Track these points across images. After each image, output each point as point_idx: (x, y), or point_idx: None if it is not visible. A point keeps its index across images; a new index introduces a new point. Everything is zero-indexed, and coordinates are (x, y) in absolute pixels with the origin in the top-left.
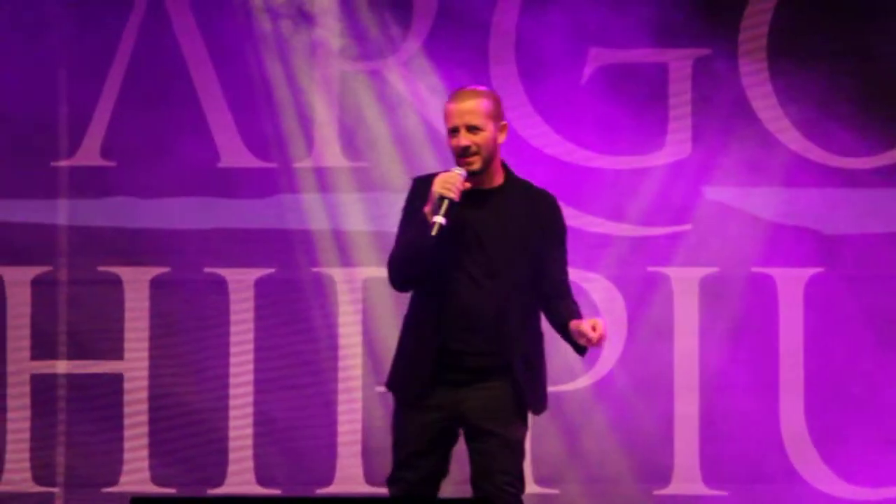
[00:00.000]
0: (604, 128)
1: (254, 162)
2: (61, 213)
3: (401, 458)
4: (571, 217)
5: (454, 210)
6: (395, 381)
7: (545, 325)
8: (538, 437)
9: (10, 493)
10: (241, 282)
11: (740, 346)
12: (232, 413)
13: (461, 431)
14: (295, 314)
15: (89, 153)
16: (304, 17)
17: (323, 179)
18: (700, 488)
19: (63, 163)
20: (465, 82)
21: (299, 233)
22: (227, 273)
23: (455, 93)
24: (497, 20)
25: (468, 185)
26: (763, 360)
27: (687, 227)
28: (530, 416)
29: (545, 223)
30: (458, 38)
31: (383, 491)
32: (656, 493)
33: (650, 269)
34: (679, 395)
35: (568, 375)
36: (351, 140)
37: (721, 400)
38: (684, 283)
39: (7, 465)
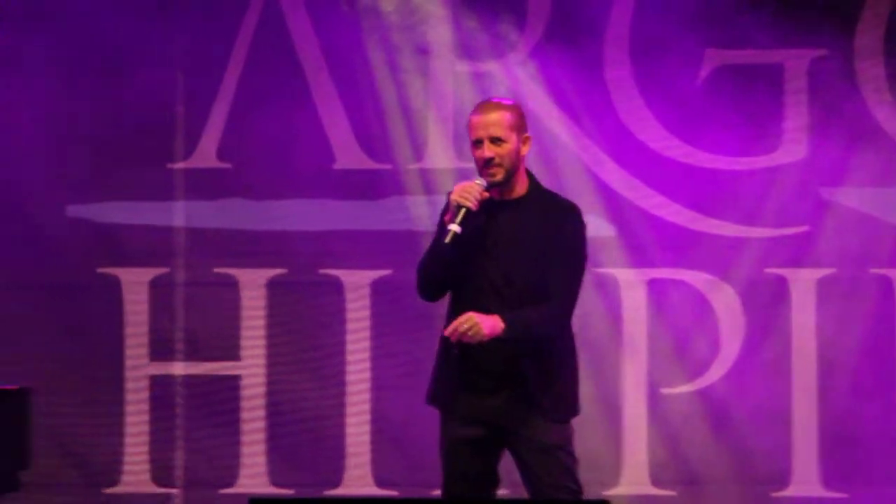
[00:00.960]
0: (719, 129)
1: (369, 163)
2: (178, 215)
3: (447, 470)
4: (687, 219)
5: (470, 219)
6: (430, 392)
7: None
8: (653, 439)
9: (130, 493)
10: (357, 283)
11: (859, 347)
12: (349, 413)
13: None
14: (410, 315)
15: (205, 155)
16: (418, 18)
17: (436, 181)
18: (819, 490)
19: (179, 165)
20: (579, 84)
21: (414, 234)
22: (343, 274)
23: (479, 105)
24: (612, 22)
25: (486, 194)
26: (882, 361)
27: (803, 228)
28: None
29: (555, 231)
30: (572, 40)
31: (503, 492)
32: (774, 495)
33: (767, 270)
34: (797, 397)
35: (683, 378)
36: (464, 142)
37: (840, 401)
38: (801, 284)
39: (126, 467)
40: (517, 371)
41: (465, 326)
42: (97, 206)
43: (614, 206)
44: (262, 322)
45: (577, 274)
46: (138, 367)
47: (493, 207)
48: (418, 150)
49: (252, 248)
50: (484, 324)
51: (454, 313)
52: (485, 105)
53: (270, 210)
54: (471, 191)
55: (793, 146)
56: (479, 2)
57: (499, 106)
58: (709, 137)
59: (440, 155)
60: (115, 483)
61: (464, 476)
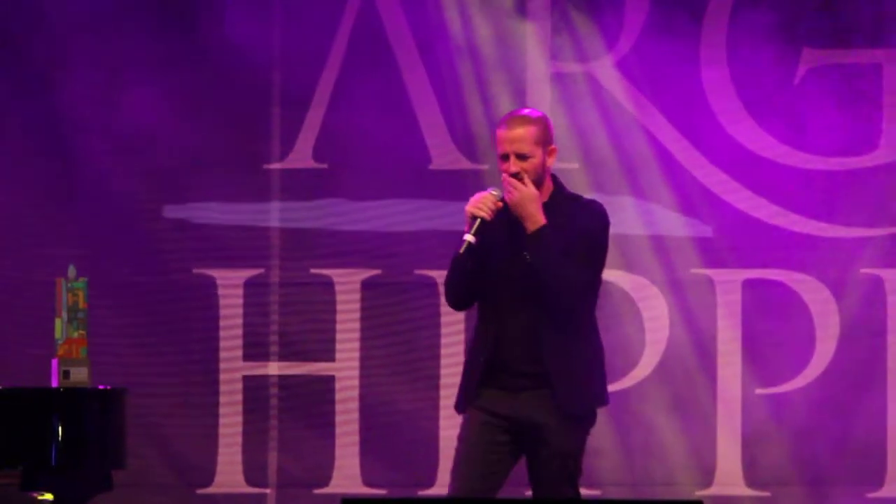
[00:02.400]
0: (816, 129)
1: (465, 164)
2: (273, 215)
3: (458, 459)
4: (783, 219)
5: (485, 229)
6: (458, 401)
7: None
8: (747, 440)
9: (223, 493)
10: None
11: None
12: (442, 414)
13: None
14: None
15: (301, 156)
16: (517, 19)
17: None
18: None
19: (275, 165)
20: (676, 84)
21: None
22: (438, 275)
23: (506, 119)
24: (708, 21)
25: (501, 204)
26: None
27: None
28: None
29: (577, 226)
30: (669, 41)
31: (593, 492)
32: (869, 495)
33: (863, 270)
34: (893, 396)
35: (778, 378)
36: (561, 142)
37: None
38: None
39: (220, 467)
40: (541, 371)
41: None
42: (193, 207)
43: (710, 206)
44: (356, 323)
45: (594, 263)
46: (233, 368)
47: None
48: None
49: (347, 249)
50: (532, 204)
51: (482, 322)
52: (511, 119)
53: (366, 210)
54: (485, 201)
55: (890, 146)
56: (576, 2)
57: (525, 121)
58: (805, 138)
59: None
60: (208, 483)
61: (473, 471)
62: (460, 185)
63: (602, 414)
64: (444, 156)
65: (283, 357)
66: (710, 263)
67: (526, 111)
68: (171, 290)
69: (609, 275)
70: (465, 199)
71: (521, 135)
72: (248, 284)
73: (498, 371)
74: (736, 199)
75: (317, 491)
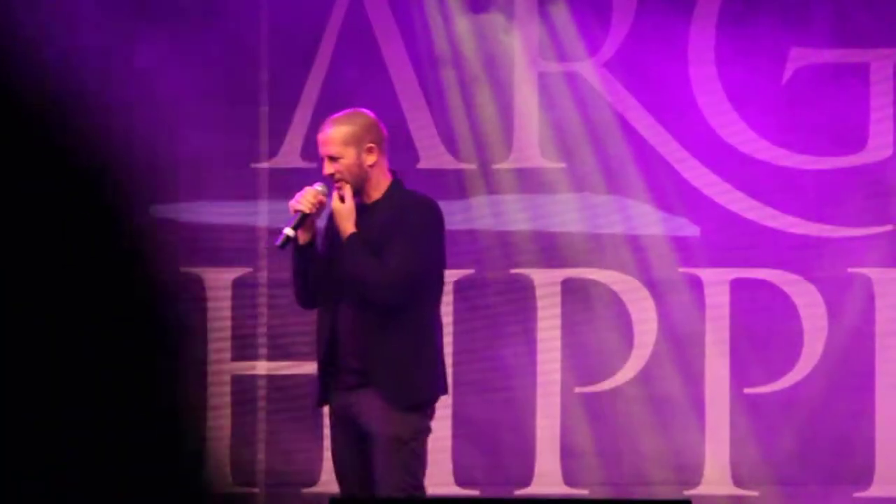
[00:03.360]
0: (804, 129)
1: (453, 163)
2: (262, 215)
3: (335, 469)
4: (771, 218)
5: (305, 223)
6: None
7: None
8: (735, 439)
9: (211, 493)
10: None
11: None
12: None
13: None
14: (493, 315)
15: (290, 155)
16: (504, 18)
17: (521, 180)
18: None
19: (264, 165)
20: (664, 84)
21: (497, 234)
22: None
23: (324, 122)
24: (696, 21)
25: (324, 199)
26: None
27: (888, 227)
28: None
29: (401, 225)
30: (657, 40)
31: (582, 492)
32: (856, 495)
33: (851, 270)
34: (881, 395)
35: (766, 378)
36: (550, 141)
37: None
38: (886, 284)
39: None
40: (367, 367)
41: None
42: (181, 206)
43: (698, 205)
44: None
45: (420, 260)
46: (221, 366)
47: (357, 213)
48: (503, 150)
49: None
50: (341, 218)
51: (319, 321)
52: (325, 122)
53: None
54: (306, 196)
55: (878, 146)
56: (565, 1)
57: (335, 122)
58: (793, 137)
59: (526, 154)
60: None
61: (348, 475)
62: (448, 184)
63: (589, 413)
64: (431, 155)
65: (271, 357)
66: (697, 263)
67: (343, 112)
68: (158, 289)
69: (597, 275)
70: (454, 197)
71: (329, 136)
72: (237, 284)
73: (336, 369)
74: (724, 198)
75: (305, 490)
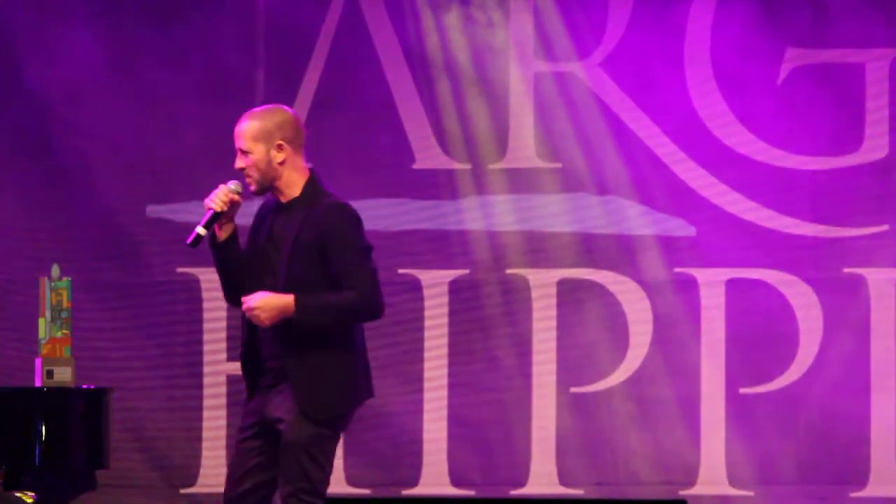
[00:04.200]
0: (800, 129)
1: (448, 163)
2: None
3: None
4: (766, 218)
5: (218, 220)
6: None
7: None
8: (731, 439)
9: (207, 493)
10: (436, 283)
11: None
12: (427, 414)
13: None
14: (488, 315)
15: None
16: (499, 19)
17: (517, 181)
18: None
19: None
20: (659, 84)
21: (493, 234)
22: (422, 275)
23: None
24: (692, 21)
25: (237, 197)
26: None
27: (884, 227)
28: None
29: (319, 233)
30: (652, 40)
31: (577, 492)
32: (853, 495)
33: (846, 270)
34: (876, 396)
35: (762, 377)
36: (545, 141)
37: None
38: (881, 284)
39: (203, 467)
40: (282, 368)
41: (254, 305)
42: (177, 206)
43: (693, 205)
44: None
45: (362, 261)
46: (216, 367)
47: (274, 211)
48: (498, 150)
49: None
50: (270, 307)
51: (242, 319)
52: (243, 115)
53: None
54: (219, 194)
55: (874, 146)
56: (560, 2)
57: (250, 116)
58: (789, 137)
59: (521, 155)
60: (192, 483)
61: (237, 472)
62: (443, 185)
63: (584, 414)
64: (427, 155)
65: None
66: (693, 263)
67: (261, 107)
68: (154, 290)
69: (593, 275)
70: (449, 197)
71: (241, 131)
72: None
73: (255, 368)
74: (720, 199)
75: None
